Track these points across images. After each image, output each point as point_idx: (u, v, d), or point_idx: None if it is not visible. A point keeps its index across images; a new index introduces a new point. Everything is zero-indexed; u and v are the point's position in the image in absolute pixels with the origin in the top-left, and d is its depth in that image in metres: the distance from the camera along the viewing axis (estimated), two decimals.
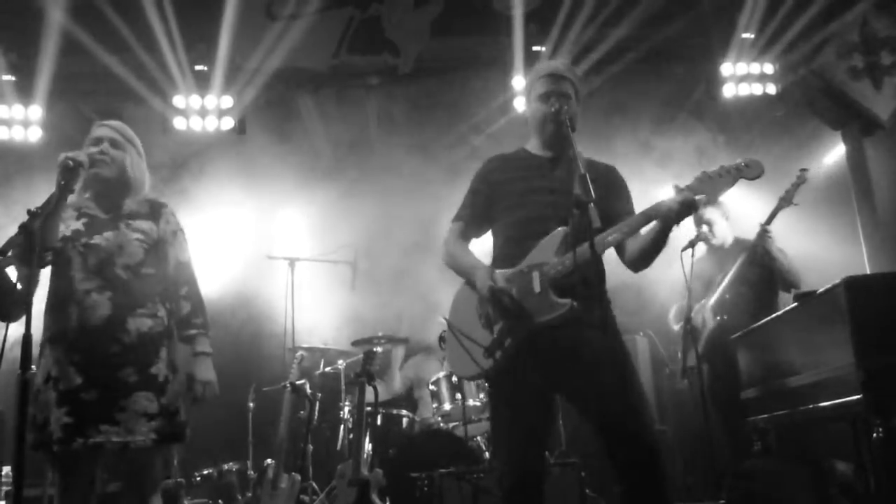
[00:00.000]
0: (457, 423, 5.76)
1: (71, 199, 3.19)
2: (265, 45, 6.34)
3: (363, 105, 7.16)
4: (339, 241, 6.83)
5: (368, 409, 5.58)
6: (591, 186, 2.65)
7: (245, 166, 7.21)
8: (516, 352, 3.02)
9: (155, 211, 3.42)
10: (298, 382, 5.86)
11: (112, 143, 3.39)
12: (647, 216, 2.97)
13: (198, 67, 6.63)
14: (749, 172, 2.88)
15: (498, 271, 3.07)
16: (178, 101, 6.76)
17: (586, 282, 2.93)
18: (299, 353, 5.89)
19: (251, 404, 6.39)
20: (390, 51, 6.53)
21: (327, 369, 6.43)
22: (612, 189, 3.21)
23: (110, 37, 6.22)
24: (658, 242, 3.01)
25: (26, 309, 2.61)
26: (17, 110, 6.58)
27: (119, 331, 3.16)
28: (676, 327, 5.51)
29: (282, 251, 6.77)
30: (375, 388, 5.22)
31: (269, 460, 5.45)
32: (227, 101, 6.86)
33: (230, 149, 7.19)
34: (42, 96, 6.39)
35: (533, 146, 3.29)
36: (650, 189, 5.25)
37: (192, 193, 6.95)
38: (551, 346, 2.97)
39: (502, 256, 3.19)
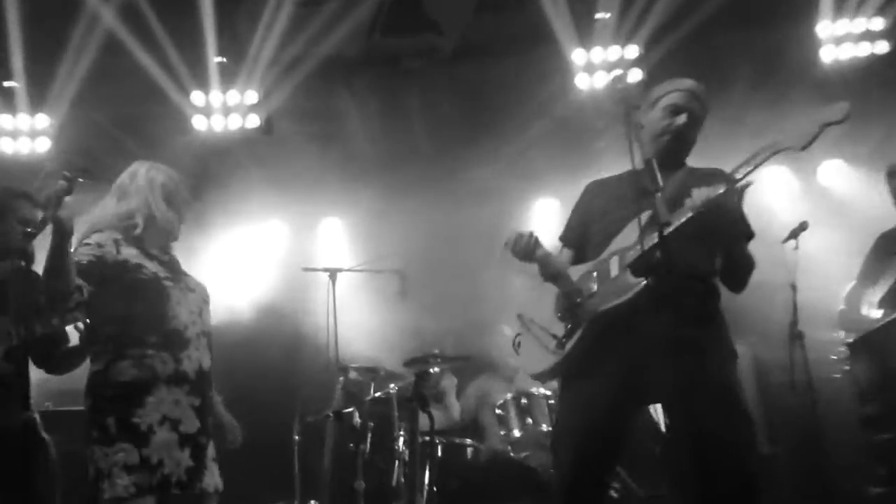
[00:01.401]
0: (528, 452, 5.74)
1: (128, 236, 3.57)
2: (290, 33, 6.36)
3: (404, 94, 7.17)
4: (385, 249, 6.84)
5: (425, 438, 5.53)
6: (658, 174, 2.71)
7: (275, 170, 7.31)
8: (588, 341, 3.14)
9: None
10: (345, 411, 5.88)
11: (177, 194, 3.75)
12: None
13: (217, 60, 6.67)
14: (830, 115, 2.85)
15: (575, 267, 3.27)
16: (197, 97, 6.78)
17: (667, 262, 2.92)
18: (341, 377, 5.91)
19: (296, 437, 6.40)
20: (431, 29, 6.45)
21: (378, 394, 6.37)
22: (706, 182, 3.20)
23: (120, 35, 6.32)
24: (729, 257, 3.18)
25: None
26: (22, 120, 6.68)
27: (211, 379, 3.61)
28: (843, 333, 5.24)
29: (320, 262, 6.81)
30: (430, 415, 5.14)
31: (313, 501, 5.47)
32: (252, 97, 6.88)
33: (257, 151, 7.27)
34: (50, 103, 6.48)
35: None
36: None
37: (219, 202, 7.09)
38: (627, 333, 3.02)
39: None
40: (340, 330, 6.42)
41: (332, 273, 6.51)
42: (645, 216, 3.03)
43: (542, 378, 4.18)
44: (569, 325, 3.25)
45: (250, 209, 7.46)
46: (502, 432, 5.99)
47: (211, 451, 3.55)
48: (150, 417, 3.36)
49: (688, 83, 3.42)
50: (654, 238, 2.96)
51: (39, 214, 3.30)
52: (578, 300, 3.26)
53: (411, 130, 7.69)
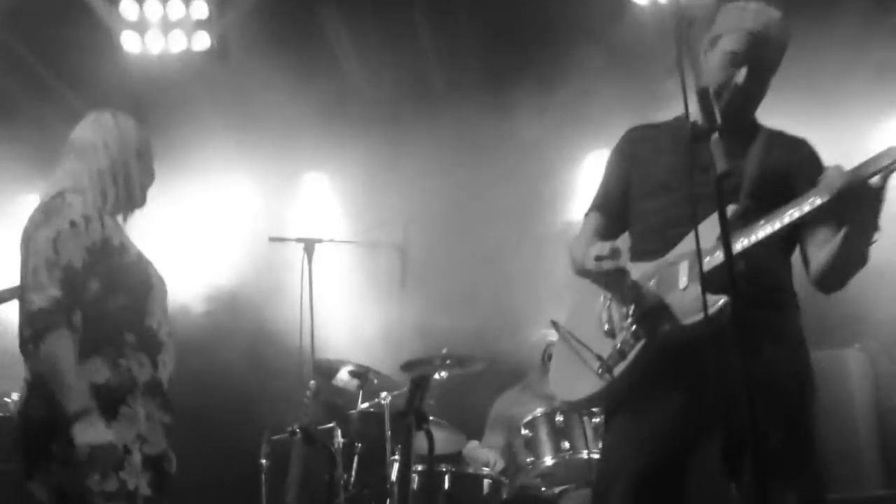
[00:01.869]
0: (565, 488, 5.68)
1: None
2: None
3: (410, 13, 7.06)
4: (382, 217, 7.04)
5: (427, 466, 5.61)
6: (716, 108, 2.63)
7: (238, 109, 7.25)
8: (643, 367, 3.22)
9: None
10: (322, 427, 5.98)
11: None
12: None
13: None
14: None
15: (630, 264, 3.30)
16: (129, 8, 6.65)
17: (755, 277, 3.09)
18: (312, 381, 5.88)
19: (263, 461, 6.32)
20: None
21: (366, 406, 6.37)
22: (796, 167, 3.39)
23: None
24: (847, 252, 3.20)
25: None
26: None
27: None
28: None
29: (295, 231, 6.81)
30: (430, 434, 4.89)
31: None
32: (201, 9, 6.74)
33: (213, 84, 7.19)
34: None
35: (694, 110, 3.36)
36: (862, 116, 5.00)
37: (161, 153, 6.83)
38: (694, 363, 3.08)
39: (641, 251, 3.45)
40: (319, 321, 6.43)
41: (309, 245, 6.51)
42: (730, 209, 3.10)
43: (578, 407, 4.26)
44: (619, 344, 3.33)
45: (205, 163, 7.37)
46: (530, 459, 5.88)
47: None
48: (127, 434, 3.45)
49: (752, 18, 3.38)
50: (739, 241, 3.12)
51: None
52: (634, 313, 3.32)
53: (420, 62, 7.63)
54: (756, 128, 3.52)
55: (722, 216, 2.58)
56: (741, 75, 3.34)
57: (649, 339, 3.24)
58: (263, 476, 6.28)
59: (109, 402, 3.37)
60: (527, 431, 5.96)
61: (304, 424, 5.63)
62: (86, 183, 3.62)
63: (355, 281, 7.27)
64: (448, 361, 6.17)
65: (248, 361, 7.24)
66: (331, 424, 6.03)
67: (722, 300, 3.02)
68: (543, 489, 5.78)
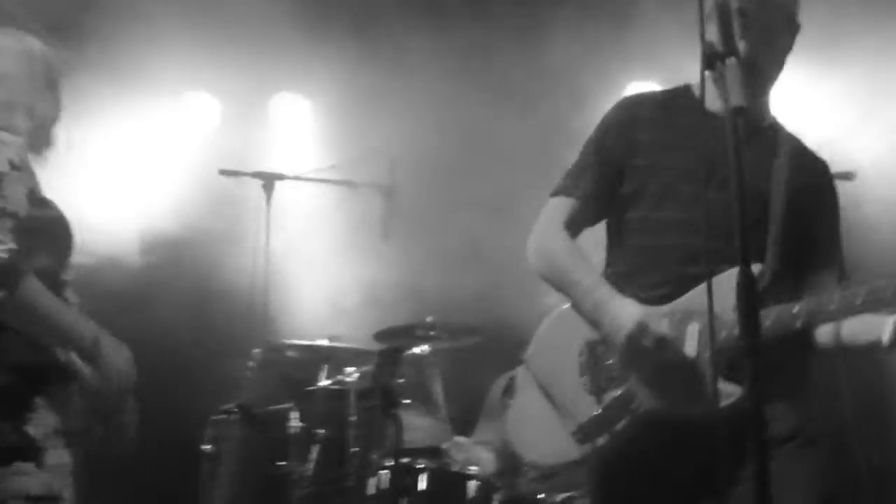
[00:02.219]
0: (570, 494, 5.70)
1: None
2: None
3: None
4: (360, 147, 6.93)
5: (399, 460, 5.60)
6: (736, 31, 2.75)
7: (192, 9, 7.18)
8: (632, 441, 3.24)
9: None
10: (273, 408, 6.03)
11: None
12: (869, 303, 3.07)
13: None
14: None
15: (647, 309, 3.25)
16: None
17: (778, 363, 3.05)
18: (257, 350, 5.92)
19: (207, 446, 6.26)
20: None
21: (328, 383, 6.46)
22: (815, 202, 3.46)
23: None
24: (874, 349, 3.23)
25: None
26: None
27: None
28: None
29: (251, 164, 6.82)
30: (398, 419, 5.07)
31: None
32: None
33: None
34: None
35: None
36: None
37: (99, 64, 6.88)
38: (700, 441, 3.03)
39: (629, 276, 3.41)
40: (278, 276, 6.63)
41: (268, 182, 6.56)
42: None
43: (542, 470, 4.75)
44: (603, 410, 3.31)
45: (156, 75, 7.36)
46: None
47: None
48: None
49: None
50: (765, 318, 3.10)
51: None
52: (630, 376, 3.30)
53: None
54: (776, 130, 3.54)
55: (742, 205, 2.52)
56: (749, 38, 3.34)
57: (644, 413, 3.23)
58: (204, 465, 6.21)
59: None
60: None
61: (245, 402, 5.66)
62: (19, 121, 3.64)
63: (326, 228, 7.42)
64: (433, 332, 6.20)
65: (192, 324, 7.35)
66: (287, 405, 6.06)
67: (736, 394, 3.01)
68: (543, 495, 5.75)
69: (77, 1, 7.13)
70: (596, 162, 3.54)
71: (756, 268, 3.06)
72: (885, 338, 3.13)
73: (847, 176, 5.20)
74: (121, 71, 7.14)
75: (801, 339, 3.30)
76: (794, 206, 3.38)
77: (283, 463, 5.95)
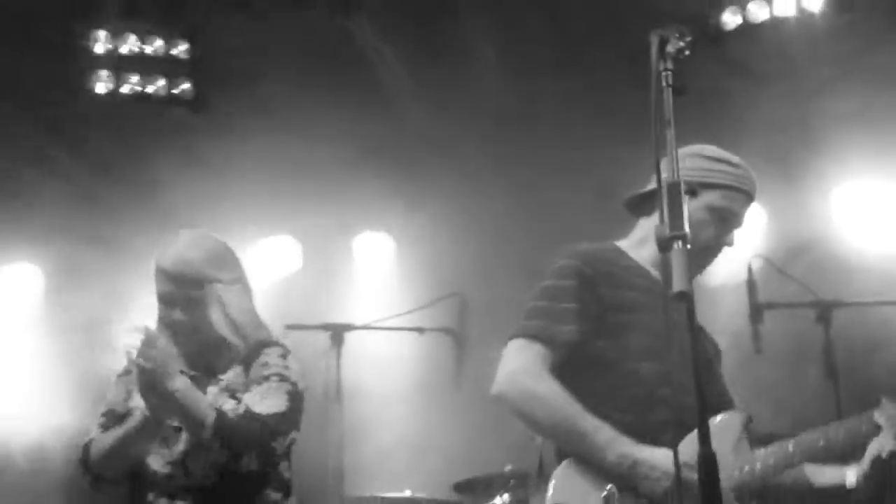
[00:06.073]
0: None
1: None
2: None
3: (450, 29, 7.38)
4: (433, 288, 6.98)
5: None
6: (685, 211, 2.82)
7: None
8: None
9: (252, 354, 4.11)
10: None
11: (171, 304, 4.06)
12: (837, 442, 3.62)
13: None
14: None
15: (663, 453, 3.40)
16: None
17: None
18: None
19: None
20: None
21: None
22: (719, 361, 4.02)
23: None
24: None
25: None
26: None
27: None
28: None
29: (317, 316, 6.81)
30: None
31: None
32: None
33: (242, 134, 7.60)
34: None
35: (635, 251, 3.90)
36: None
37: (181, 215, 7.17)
38: None
39: (614, 420, 3.55)
40: (350, 428, 6.47)
41: (337, 333, 6.51)
42: (737, 421, 3.69)
43: None
44: None
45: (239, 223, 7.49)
46: None
47: None
48: None
49: (751, 178, 3.87)
50: (763, 462, 3.59)
51: None
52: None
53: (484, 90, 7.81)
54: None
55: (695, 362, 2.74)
56: (733, 238, 3.82)
57: None
58: None
59: None
60: None
61: None
62: None
63: (398, 374, 7.50)
64: (512, 482, 6.19)
65: None
66: None
67: None
68: None
69: (173, 164, 7.49)
70: (579, 310, 3.62)
71: (737, 415, 3.71)
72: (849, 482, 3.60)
73: None
74: (187, 222, 7.32)
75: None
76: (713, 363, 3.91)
77: None
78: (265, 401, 3.98)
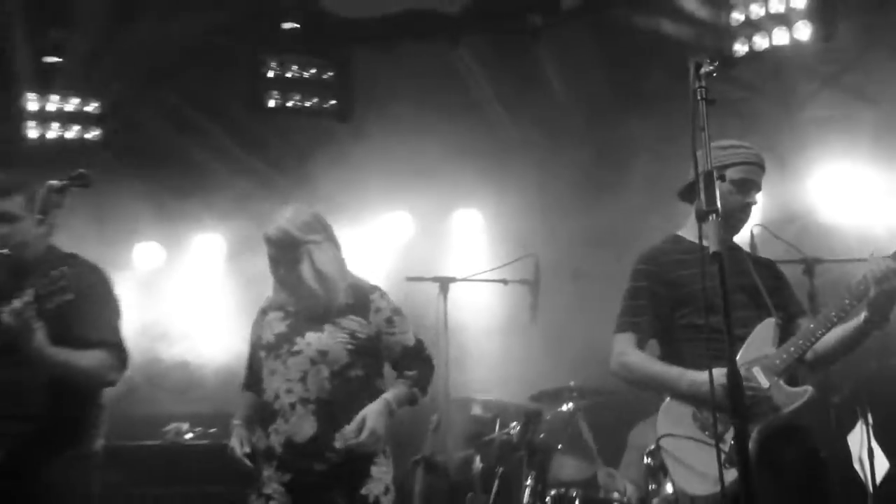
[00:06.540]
0: None
1: (277, 295, 4.23)
2: None
3: (530, 59, 7.28)
4: (514, 250, 6.84)
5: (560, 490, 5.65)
6: (717, 193, 3.00)
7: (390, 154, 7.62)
8: (757, 451, 3.65)
9: (362, 301, 4.14)
10: (463, 453, 6.14)
11: (276, 264, 4.13)
12: (846, 309, 3.75)
13: (288, 26, 7.07)
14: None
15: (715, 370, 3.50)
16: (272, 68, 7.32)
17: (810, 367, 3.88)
18: (434, 416, 5.97)
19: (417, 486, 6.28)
20: None
21: (501, 433, 6.33)
22: (781, 281, 4.17)
23: None
24: (852, 347, 3.86)
25: None
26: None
27: (325, 449, 3.93)
28: None
29: (429, 271, 6.80)
30: (543, 467, 5.09)
31: None
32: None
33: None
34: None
35: (691, 233, 4.02)
36: None
37: (321, 194, 7.40)
38: (788, 442, 3.74)
39: (694, 361, 3.82)
40: (455, 353, 6.41)
41: (444, 284, 6.45)
42: (770, 325, 3.86)
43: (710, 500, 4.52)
44: (732, 442, 3.56)
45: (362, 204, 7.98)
46: (652, 486, 5.51)
47: None
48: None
49: (756, 154, 4.02)
50: (794, 346, 3.77)
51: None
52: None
53: (549, 97, 7.84)
54: (739, 248, 4.15)
55: (725, 297, 2.93)
56: (754, 197, 3.99)
57: (760, 428, 3.67)
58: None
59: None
60: (649, 460, 5.51)
61: (428, 455, 5.76)
62: None
63: (489, 315, 7.43)
64: (575, 393, 6.30)
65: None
66: (470, 451, 6.11)
67: (809, 389, 3.70)
68: None
69: (324, 160, 7.75)
70: (651, 304, 3.98)
71: (770, 321, 3.86)
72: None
73: None
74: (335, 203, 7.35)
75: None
76: (769, 285, 3.98)
77: (469, 495, 5.96)
78: (407, 333, 4.17)
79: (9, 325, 3.61)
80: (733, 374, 3.00)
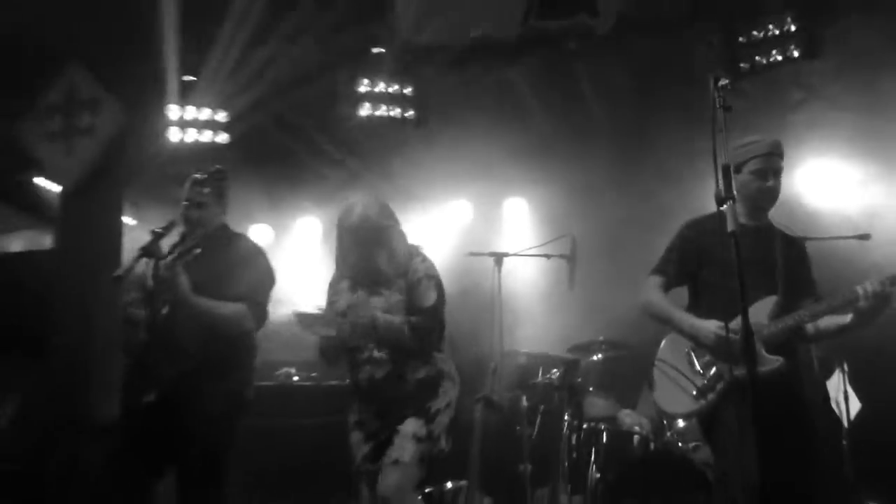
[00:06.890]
0: (697, 443, 5.71)
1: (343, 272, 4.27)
2: (437, 17, 6.66)
3: (570, 76, 7.35)
4: (554, 230, 6.85)
5: (591, 424, 5.84)
6: (734, 183, 3.09)
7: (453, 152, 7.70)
8: (726, 394, 3.81)
9: (405, 264, 4.18)
10: (511, 394, 6.10)
11: (363, 236, 4.11)
12: (834, 307, 3.81)
13: (376, 51, 7.20)
14: None
15: (715, 323, 3.83)
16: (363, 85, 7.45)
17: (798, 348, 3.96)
18: (493, 363, 5.96)
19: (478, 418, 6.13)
20: (586, 10, 6.53)
21: (544, 378, 6.38)
22: (803, 263, 4.11)
23: None
24: (844, 334, 3.90)
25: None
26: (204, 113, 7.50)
27: (400, 382, 4.09)
28: None
29: (485, 247, 6.80)
30: (579, 405, 5.11)
31: (461, 482, 5.67)
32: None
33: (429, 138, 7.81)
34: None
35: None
36: None
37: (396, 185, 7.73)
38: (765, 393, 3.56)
39: (708, 311, 3.97)
40: (508, 317, 6.53)
41: (498, 258, 6.45)
42: (771, 301, 3.87)
43: (679, 417, 5.12)
44: (707, 381, 3.87)
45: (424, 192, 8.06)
46: (665, 421, 5.91)
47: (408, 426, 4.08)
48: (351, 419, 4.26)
49: (769, 145, 3.99)
50: (783, 322, 3.83)
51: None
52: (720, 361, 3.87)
53: (586, 111, 7.85)
54: (771, 226, 4.14)
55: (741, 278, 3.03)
56: (773, 181, 4.00)
57: (731, 379, 3.79)
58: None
59: None
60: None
61: (487, 394, 5.75)
62: None
63: (534, 284, 7.52)
64: (604, 346, 6.49)
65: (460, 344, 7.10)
66: (517, 392, 6.16)
67: (780, 360, 3.76)
68: (680, 444, 5.82)
69: (402, 160, 8.00)
70: (679, 258, 4.15)
71: (772, 298, 3.87)
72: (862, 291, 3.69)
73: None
74: (410, 194, 7.79)
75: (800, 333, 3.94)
76: (789, 263, 3.99)
77: (518, 427, 6.04)
78: (427, 293, 4.15)
79: (163, 277, 3.96)
80: (737, 329, 3.20)
